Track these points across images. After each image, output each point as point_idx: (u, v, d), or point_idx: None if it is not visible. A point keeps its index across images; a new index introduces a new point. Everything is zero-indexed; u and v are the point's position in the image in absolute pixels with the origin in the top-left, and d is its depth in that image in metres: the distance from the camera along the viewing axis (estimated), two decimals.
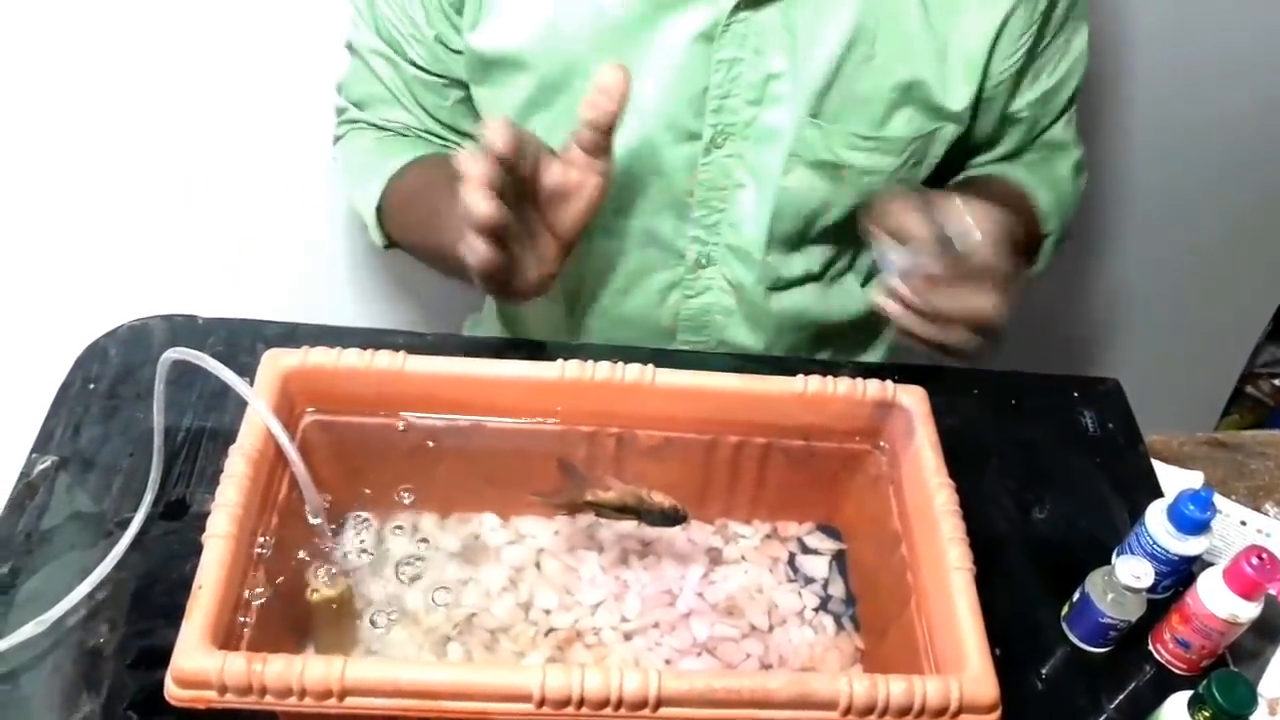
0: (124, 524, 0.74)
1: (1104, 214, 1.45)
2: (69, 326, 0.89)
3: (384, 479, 0.70)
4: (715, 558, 0.72)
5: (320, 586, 0.63)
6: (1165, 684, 0.75)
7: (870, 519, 0.69)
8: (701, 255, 0.91)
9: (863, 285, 1.02)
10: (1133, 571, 0.74)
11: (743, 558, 0.73)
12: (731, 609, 0.70)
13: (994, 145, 0.97)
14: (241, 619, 0.57)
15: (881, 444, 0.69)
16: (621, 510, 0.63)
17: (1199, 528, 0.76)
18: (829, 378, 0.67)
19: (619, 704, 0.52)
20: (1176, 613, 0.76)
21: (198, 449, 0.81)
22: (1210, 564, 0.75)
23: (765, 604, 0.70)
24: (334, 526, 0.68)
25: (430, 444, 0.68)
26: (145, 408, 0.75)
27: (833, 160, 0.85)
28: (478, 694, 0.52)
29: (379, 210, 0.90)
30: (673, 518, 0.64)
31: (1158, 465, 0.90)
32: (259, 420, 0.60)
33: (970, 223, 0.69)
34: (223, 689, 0.51)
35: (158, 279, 1.13)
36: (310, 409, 0.66)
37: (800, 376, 0.67)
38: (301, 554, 0.64)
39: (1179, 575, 0.79)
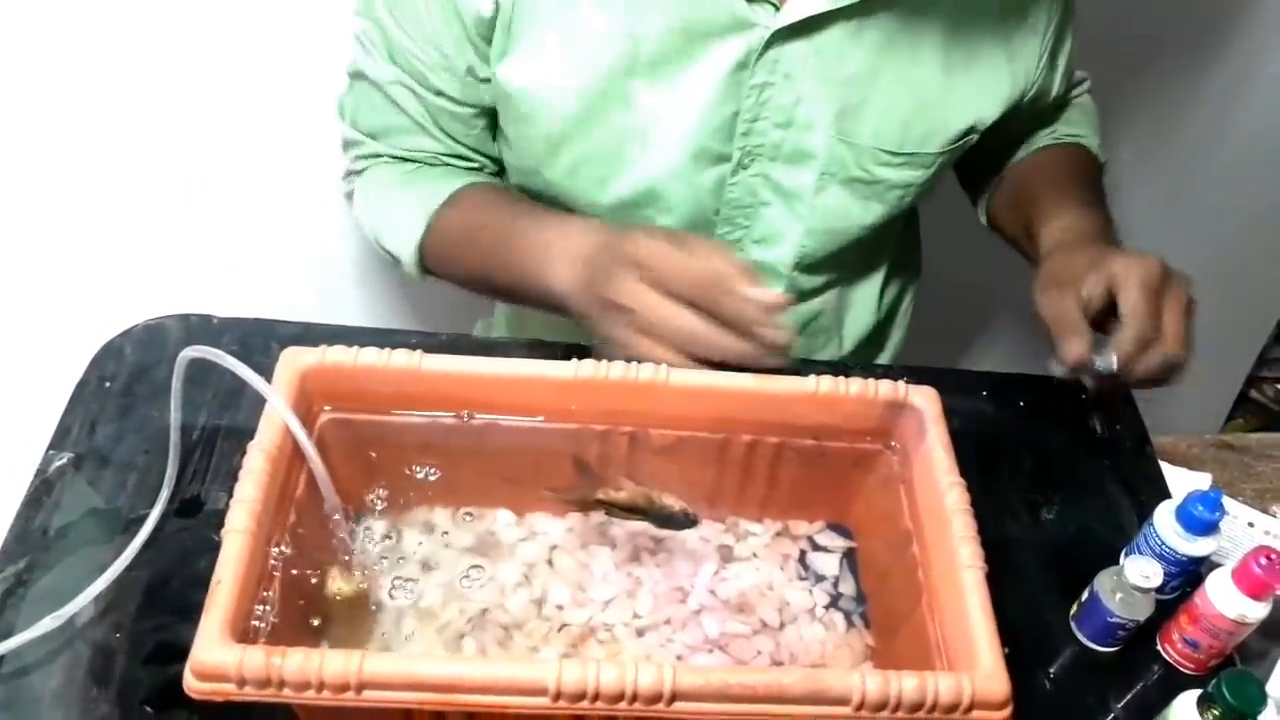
0: (139, 521, 0.75)
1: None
2: (86, 326, 0.90)
3: (400, 476, 0.70)
4: (726, 555, 0.73)
5: (337, 583, 0.64)
6: (1173, 684, 0.76)
7: (881, 518, 0.69)
8: None
9: (879, 291, 1.03)
10: (1141, 571, 0.74)
11: (754, 555, 0.73)
12: (743, 606, 0.70)
13: (1028, 125, 0.99)
14: (259, 613, 0.57)
15: (893, 444, 0.69)
16: (632, 510, 0.64)
17: (1207, 528, 0.77)
18: (841, 378, 0.68)
19: (634, 698, 0.53)
20: (1185, 613, 0.76)
21: (213, 447, 0.82)
22: (1218, 565, 0.76)
23: (776, 601, 0.71)
24: (350, 524, 0.68)
25: (446, 442, 0.69)
26: (160, 406, 0.75)
27: (866, 177, 0.86)
28: (494, 688, 0.53)
29: (421, 244, 0.87)
30: (682, 521, 0.65)
31: (1165, 467, 0.91)
32: (278, 418, 0.61)
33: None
34: (241, 682, 0.51)
35: (173, 279, 1.14)
36: (327, 407, 0.66)
37: (813, 377, 0.68)
38: (319, 551, 0.64)
39: (1187, 576, 0.79)
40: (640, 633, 0.69)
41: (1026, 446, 0.91)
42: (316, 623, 0.64)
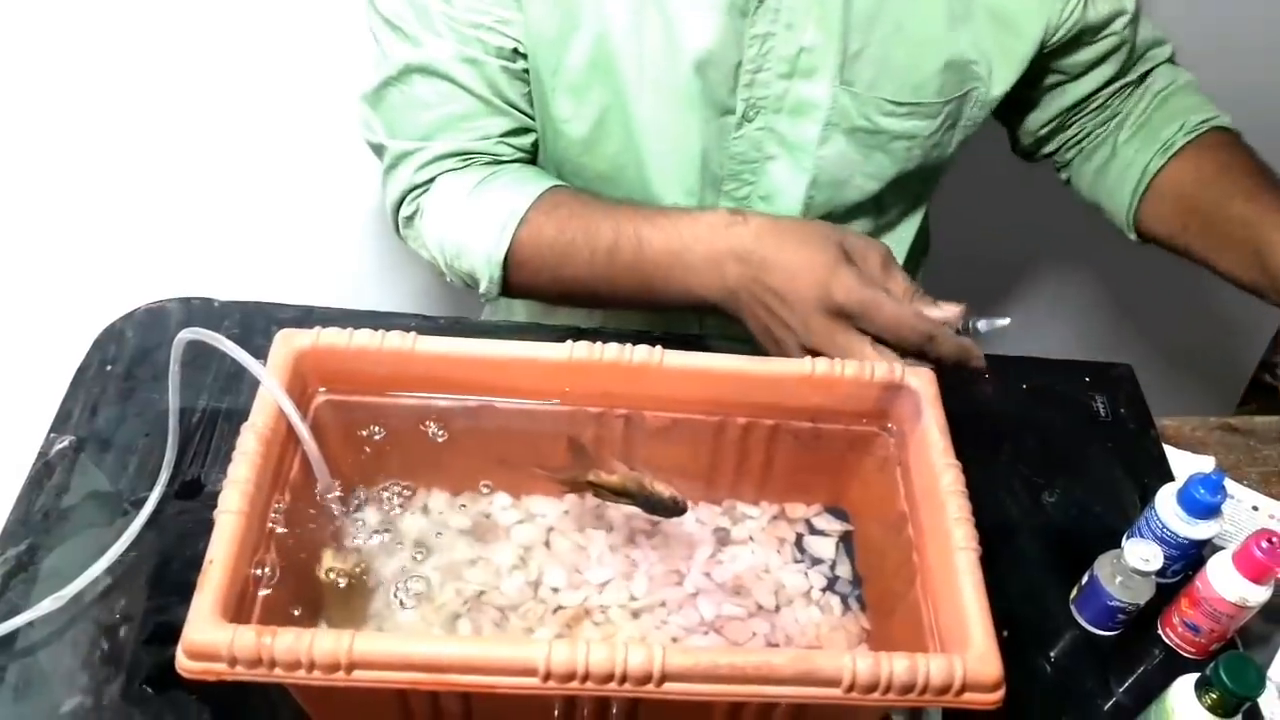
0: (139, 503, 0.75)
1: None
2: (87, 309, 0.91)
3: (395, 458, 0.70)
4: (723, 538, 0.73)
5: (332, 564, 0.64)
6: (1174, 667, 0.75)
7: (877, 500, 0.69)
8: None
9: (905, 258, 1.02)
10: (1141, 554, 0.74)
11: (750, 538, 0.73)
12: (738, 589, 0.70)
13: (1096, 71, 0.94)
14: (253, 594, 0.57)
15: (889, 426, 0.69)
16: (621, 494, 0.64)
17: (1209, 511, 0.76)
18: (837, 360, 0.67)
19: (624, 678, 0.53)
20: (1186, 596, 0.76)
21: (213, 430, 0.82)
22: (1221, 549, 0.75)
23: (772, 584, 0.71)
24: (346, 505, 0.68)
25: (441, 423, 0.69)
26: (161, 389, 0.76)
27: (869, 127, 0.86)
28: (484, 668, 0.53)
29: (507, 257, 0.83)
30: (671, 508, 0.65)
31: (1169, 450, 0.90)
32: (271, 399, 0.61)
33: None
34: (233, 661, 0.52)
35: (177, 262, 1.14)
36: (322, 389, 0.66)
37: (808, 359, 0.67)
38: (313, 532, 0.64)
39: (1189, 559, 0.79)
40: (636, 614, 0.69)
41: (1029, 429, 0.91)
42: (312, 603, 0.65)
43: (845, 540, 0.74)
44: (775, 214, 0.89)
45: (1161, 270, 1.53)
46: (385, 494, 0.71)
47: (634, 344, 0.67)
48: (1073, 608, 0.79)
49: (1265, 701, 0.74)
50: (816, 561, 0.73)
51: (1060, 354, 0.97)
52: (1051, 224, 1.27)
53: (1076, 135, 0.99)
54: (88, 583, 0.70)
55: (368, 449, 0.69)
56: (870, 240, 0.74)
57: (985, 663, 0.55)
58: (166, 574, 0.73)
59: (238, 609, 0.55)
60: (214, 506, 0.57)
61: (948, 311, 0.71)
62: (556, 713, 0.61)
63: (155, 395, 0.83)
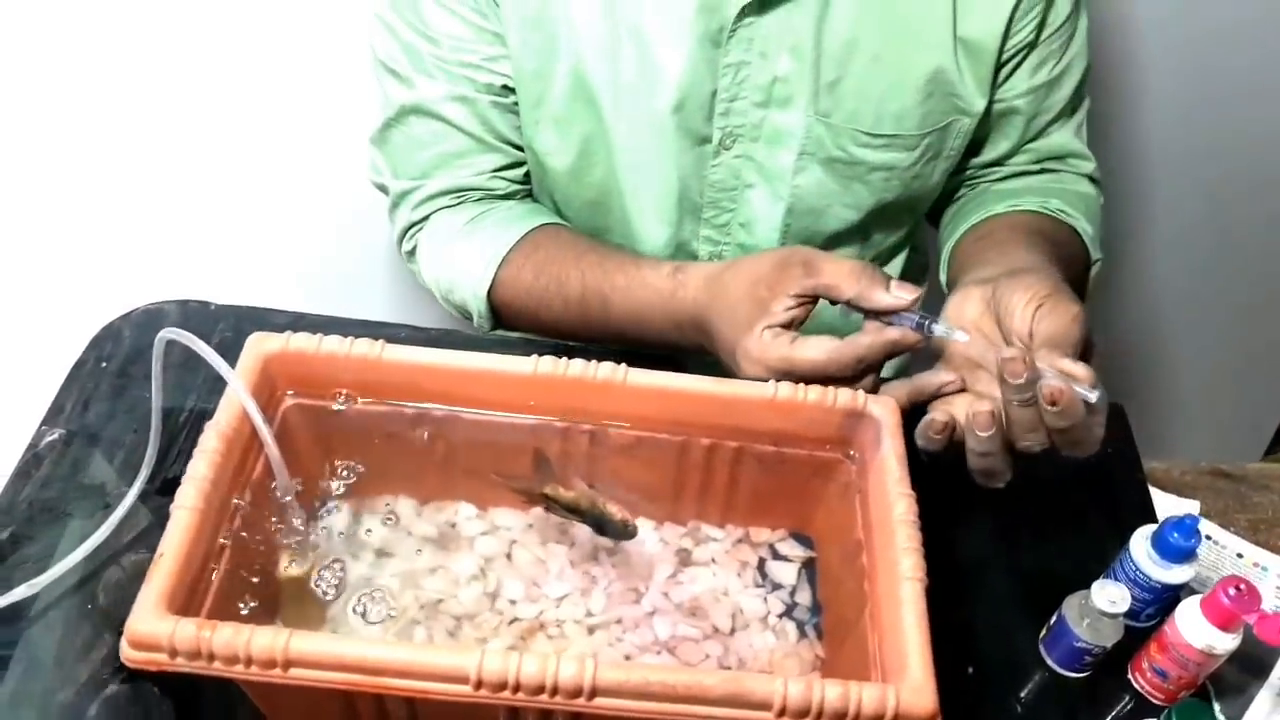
0: (121, 497, 0.77)
1: (1135, 231, 1.42)
2: (90, 307, 0.93)
3: (364, 464, 0.72)
4: (684, 559, 0.73)
5: (289, 566, 0.65)
6: (1143, 713, 0.74)
7: (838, 528, 0.69)
8: (714, 255, 0.93)
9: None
10: (1109, 596, 0.73)
11: (712, 560, 0.73)
12: (695, 610, 0.70)
13: (992, 141, 0.94)
14: (204, 589, 0.59)
15: (851, 453, 0.69)
16: (573, 510, 0.65)
17: (1183, 556, 0.75)
18: (800, 385, 0.68)
19: (555, 690, 0.53)
20: (1155, 641, 0.75)
21: (197, 430, 0.82)
22: (1198, 593, 0.74)
23: (730, 607, 0.71)
24: (310, 509, 0.70)
25: (408, 431, 0.70)
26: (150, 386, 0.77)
27: (845, 158, 0.86)
28: (418, 673, 0.53)
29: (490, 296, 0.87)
30: (619, 530, 0.65)
31: (1156, 494, 0.89)
32: (236, 400, 0.63)
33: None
34: (173, 653, 0.53)
35: (179, 266, 1.17)
36: (290, 392, 0.68)
37: (771, 382, 0.68)
38: (273, 533, 0.65)
39: (1162, 604, 0.78)
40: (591, 630, 0.69)
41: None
42: (270, 603, 0.66)
43: (809, 567, 0.74)
44: (747, 244, 0.91)
45: (1179, 308, 1.51)
46: (351, 499, 0.72)
47: (600, 361, 0.68)
48: (1041, 648, 0.78)
49: None
50: (777, 587, 0.73)
51: None
52: None
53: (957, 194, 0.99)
54: (62, 572, 0.72)
55: (335, 454, 0.71)
56: (812, 256, 0.71)
57: (920, 694, 0.55)
58: (141, 567, 0.74)
59: (187, 602, 0.57)
60: None
61: (898, 299, 0.68)
62: None
63: (146, 394, 0.83)
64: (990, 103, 0.89)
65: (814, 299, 0.70)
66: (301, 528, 0.66)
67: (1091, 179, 0.98)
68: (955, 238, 0.92)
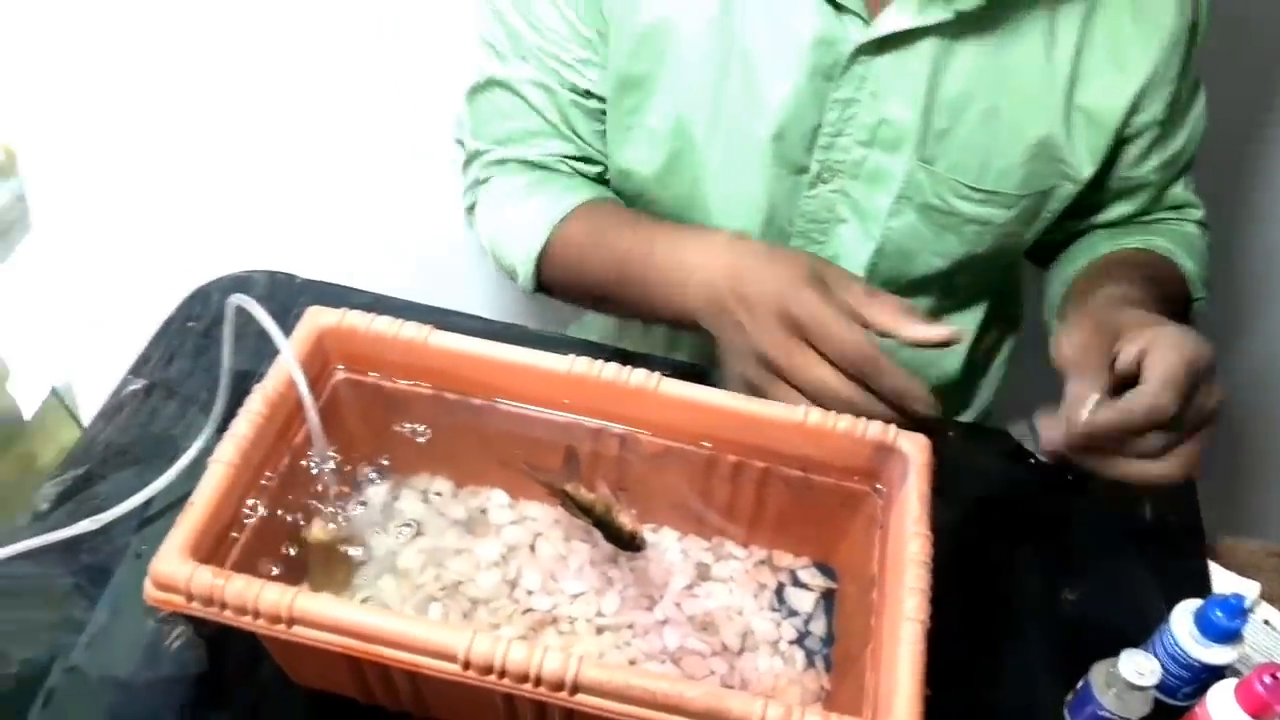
0: (190, 451, 0.82)
1: (1253, 289, 1.36)
2: (188, 270, 0.99)
3: (407, 443, 0.74)
4: (703, 573, 0.73)
5: (319, 531, 0.68)
6: None
7: (860, 561, 0.68)
8: None
9: (971, 343, 1.00)
10: (1137, 668, 0.70)
11: (730, 578, 0.73)
12: (706, 625, 0.71)
13: (1116, 205, 0.94)
14: (231, 542, 0.62)
15: (879, 486, 0.68)
16: (586, 512, 0.66)
17: (1226, 636, 0.72)
18: (831, 413, 0.67)
19: (538, 681, 0.55)
20: None
21: None
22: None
23: (742, 626, 0.71)
24: (349, 479, 0.73)
25: (452, 416, 0.72)
26: (234, 349, 0.82)
27: (943, 207, 0.85)
28: (410, 645, 0.55)
29: (540, 256, 0.87)
30: (628, 542, 0.66)
31: (1216, 570, 0.85)
32: (286, 367, 0.66)
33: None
34: (189, 597, 0.56)
35: (281, 240, 1.23)
36: (341, 367, 0.71)
37: (802, 407, 0.68)
38: (308, 499, 0.69)
39: (1201, 684, 0.74)
40: (600, 630, 0.70)
41: (1064, 520, 0.87)
42: (299, 564, 0.69)
43: (829, 597, 0.73)
44: None
45: (1271, 380, 1.43)
46: (390, 474, 0.75)
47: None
48: (1066, 711, 0.76)
49: None
50: (793, 613, 0.72)
51: None
52: None
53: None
54: (123, 514, 0.77)
55: (381, 430, 0.73)
56: (848, 274, 0.71)
57: None
58: None
59: (212, 552, 0.60)
60: None
61: (901, 324, 0.67)
62: (499, 705, 0.63)
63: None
64: (1103, 171, 0.88)
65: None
66: (337, 497, 0.69)
67: (1199, 223, 0.97)
68: (1064, 279, 0.93)
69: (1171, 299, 0.86)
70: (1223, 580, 0.84)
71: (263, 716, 0.68)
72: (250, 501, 0.63)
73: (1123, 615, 0.81)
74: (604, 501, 0.66)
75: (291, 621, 0.56)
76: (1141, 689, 0.70)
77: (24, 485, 1.18)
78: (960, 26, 0.79)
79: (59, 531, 0.75)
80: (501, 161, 0.91)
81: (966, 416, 1.09)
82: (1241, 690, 0.68)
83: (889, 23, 0.78)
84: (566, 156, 0.90)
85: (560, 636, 0.70)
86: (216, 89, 1.19)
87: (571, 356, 0.69)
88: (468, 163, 0.94)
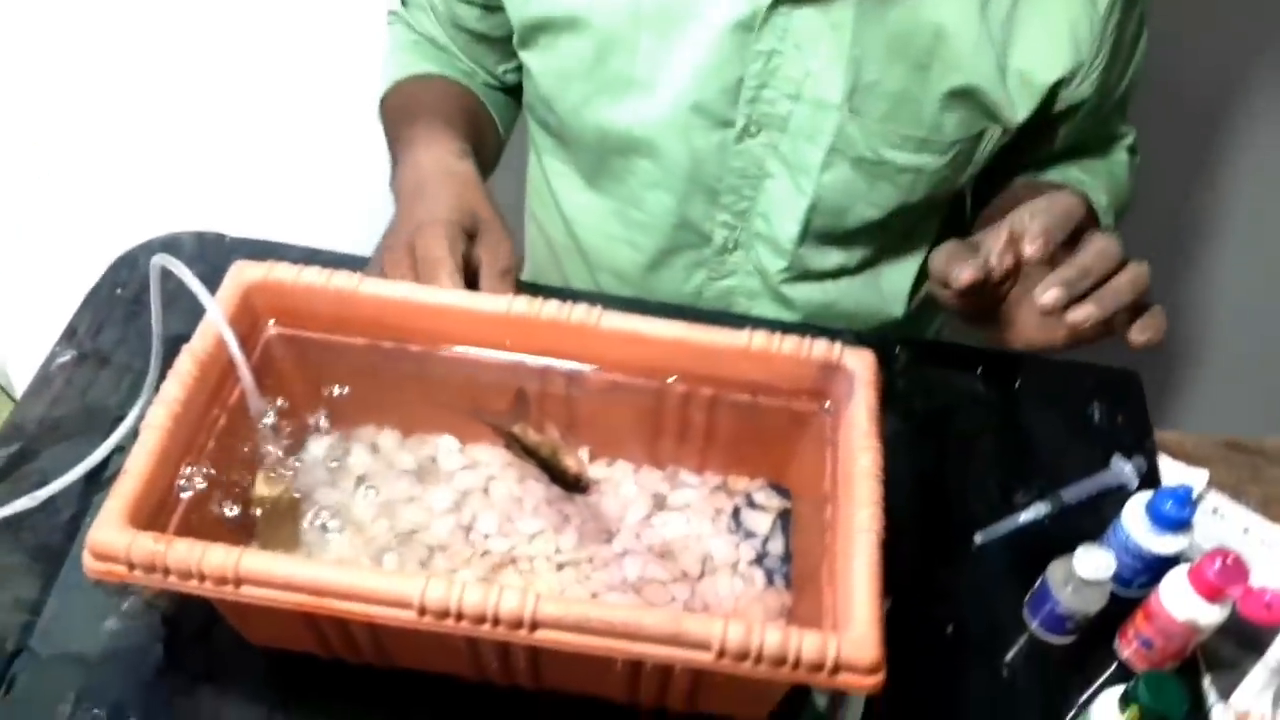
0: (125, 420, 0.80)
1: (1156, 200, 1.37)
2: (112, 235, 0.96)
3: (348, 395, 0.73)
4: (660, 503, 0.73)
5: (263, 488, 0.67)
6: (1125, 682, 0.72)
7: (812, 479, 0.68)
8: (729, 240, 0.92)
9: (910, 287, 0.99)
10: (1093, 563, 0.71)
11: (687, 505, 0.73)
12: (665, 553, 0.70)
13: (1049, 141, 0.92)
14: (171, 507, 0.60)
15: (826, 405, 0.68)
16: (532, 454, 0.65)
17: (1176, 526, 0.73)
18: (776, 335, 0.67)
19: (496, 621, 0.54)
20: (1142, 610, 0.73)
21: None
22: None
23: (700, 552, 0.71)
24: (293, 437, 0.71)
25: (391, 365, 0.71)
26: (165, 315, 0.80)
27: (874, 158, 0.84)
28: (363, 596, 0.55)
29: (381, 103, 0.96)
30: (572, 484, 0.66)
31: (1166, 463, 0.86)
32: (214, 326, 0.64)
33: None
34: (130, 565, 0.55)
35: (206, 199, 1.20)
36: (272, 322, 0.69)
37: (746, 330, 0.67)
38: (249, 457, 0.67)
39: (1154, 574, 0.76)
40: (560, 567, 0.70)
41: (1014, 427, 0.88)
42: (248, 526, 0.68)
43: (785, 517, 0.74)
44: (764, 234, 0.90)
45: (1204, 277, 1.45)
46: (335, 429, 0.73)
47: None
48: (1025, 611, 0.77)
49: None
50: (750, 535, 0.73)
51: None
52: None
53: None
54: (62, 487, 0.75)
55: (319, 385, 0.72)
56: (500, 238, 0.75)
57: (862, 645, 0.54)
58: None
59: (152, 518, 0.58)
60: None
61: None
62: (463, 649, 0.63)
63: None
64: (1035, 118, 0.86)
65: None
66: (280, 453, 0.68)
67: (1130, 149, 0.97)
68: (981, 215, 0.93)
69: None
70: (1172, 471, 0.86)
71: (221, 680, 0.67)
72: (187, 465, 0.62)
73: (1076, 514, 0.82)
74: (550, 444, 0.65)
75: (239, 582, 0.55)
76: (1098, 583, 0.71)
77: None
78: None
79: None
80: (421, 7, 0.97)
81: None
82: (1194, 575, 0.69)
83: None
84: (462, 29, 0.95)
85: (520, 576, 0.69)
86: (130, 50, 1.14)
87: (509, 296, 0.68)
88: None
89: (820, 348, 0.66)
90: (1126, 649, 0.75)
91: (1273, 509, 0.85)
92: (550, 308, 0.67)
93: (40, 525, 0.75)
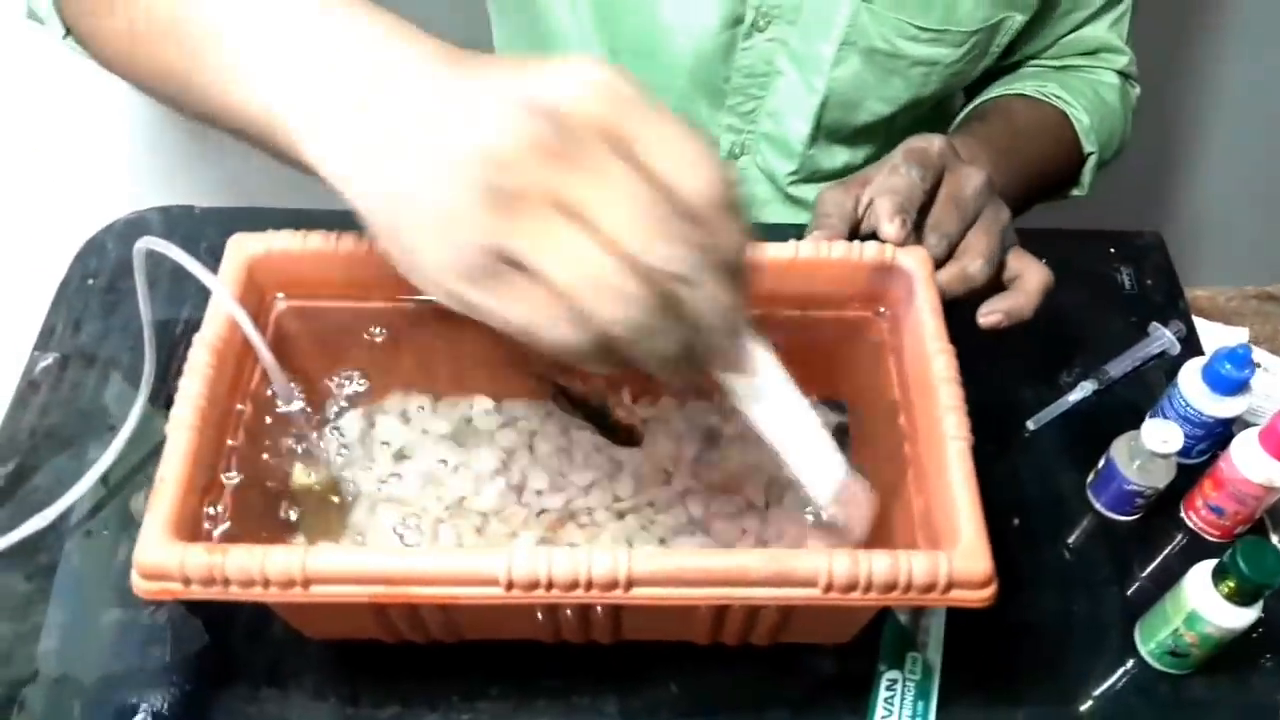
0: (125, 419, 0.74)
1: (1168, 51, 1.34)
2: (69, 223, 0.89)
3: (369, 364, 0.68)
4: (713, 436, 0.70)
5: (302, 476, 0.62)
6: (1197, 552, 0.72)
7: (872, 389, 0.65)
8: (736, 144, 0.88)
9: None
10: (1160, 436, 0.69)
11: (742, 434, 0.70)
12: (727, 486, 0.67)
13: (1027, 41, 0.88)
14: (213, 511, 0.56)
15: (882, 310, 0.65)
16: (581, 406, 0.61)
17: (1236, 387, 0.72)
18: (823, 242, 0.63)
19: (589, 585, 0.51)
20: (1210, 478, 0.72)
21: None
22: (1251, 426, 0.71)
23: (763, 480, 0.68)
24: (318, 414, 0.67)
25: (413, 327, 0.66)
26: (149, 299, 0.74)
27: (888, 50, 0.80)
28: (444, 579, 0.51)
29: None
30: (623, 437, 0.62)
31: (1200, 323, 0.85)
32: (223, 309, 0.59)
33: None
34: (186, 581, 0.50)
35: (163, 173, 1.12)
36: (280, 295, 0.64)
37: (791, 242, 0.63)
38: (282, 443, 0.63)
39: (1215, 439, 0.75)
40: (621, 515, 0.66)
41: (1047, 306, 0.86)
42: (288, 515, 0.63)
43: (842, 432, 0.71)
44: (773, 134, 0.85)
45: (1217, 125, 1.43)
46: (362, 401, 0.69)
47: None
48: (1089, 493, 0.75)
49: None
50: None
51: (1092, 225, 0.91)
52: None
53: None
54: (73, 501, 0.70)
55: (338, 356, 0.67)
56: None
57: (973, 559, 0.52)
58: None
59: (195, 527, 0.54)
60: None
61: None
62: (540, 616, 0.60)
63: (139, 308, 0.81)
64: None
65: None
66: (312, 434, 0.63)
67: (1123, 73, 0.92)
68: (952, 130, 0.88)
69: (1038, 154, 0.83)
70: (1210, 332, 0.84)
71: (277, 682, 0.64)
72: (224, 461, 0.57)
73: (1123, 388, 0.80)
74: (598, 394, 0.61)
75: (308, 583, 0.51)
76: (1165, 456, 0.70)
77: None
78: None
79: (8, 536, 0.68)
80: None
81: None
82: (1266, 436, 0.68)
83: None
84: None
85: (581, 530, 0.66)
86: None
87: None
88: None
89: (871, 250, 0.63)
90: (1195, 518, 0.74)
91: None
92: None
93: (54, 545, 0.70)
